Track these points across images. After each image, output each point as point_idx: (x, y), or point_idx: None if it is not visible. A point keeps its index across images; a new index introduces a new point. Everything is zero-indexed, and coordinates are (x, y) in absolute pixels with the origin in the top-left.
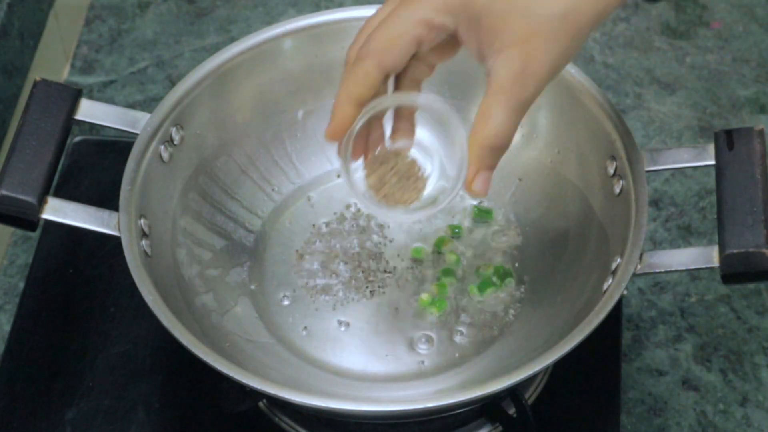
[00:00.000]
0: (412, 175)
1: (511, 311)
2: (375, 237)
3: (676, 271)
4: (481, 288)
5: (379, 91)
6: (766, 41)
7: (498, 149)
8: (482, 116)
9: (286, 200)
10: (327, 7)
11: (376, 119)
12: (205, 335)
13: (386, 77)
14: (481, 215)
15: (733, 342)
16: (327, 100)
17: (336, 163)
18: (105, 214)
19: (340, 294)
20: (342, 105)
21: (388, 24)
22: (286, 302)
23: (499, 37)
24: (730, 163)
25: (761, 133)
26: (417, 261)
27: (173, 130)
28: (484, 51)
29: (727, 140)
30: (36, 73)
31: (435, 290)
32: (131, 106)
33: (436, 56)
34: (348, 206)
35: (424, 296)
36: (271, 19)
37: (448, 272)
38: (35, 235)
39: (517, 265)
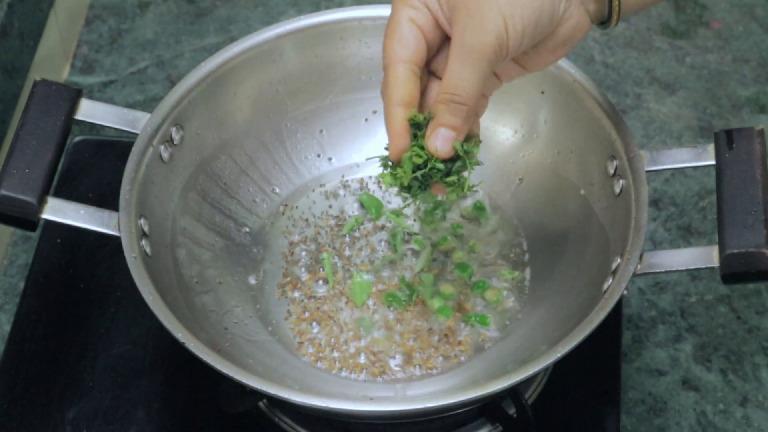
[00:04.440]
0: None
1: (511, 311)
2: (376, 237)
3: (676, 271)
4: (481, 288)
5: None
6: (766, 41)
7: (459, 104)
8: (450, 73)
9: (286, 200)
10: (327, 7)
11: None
12: (205, 335)
13: (418, 69)
14: (479, 214)
15: (733, 342)
16: (327, 100)
17: (336, 163)
18: (105, 214)
19: (341, 294)
20: (391, 113)
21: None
22: (285, 302)
23: (474, 18)
24: (730, 163)
25: (761, 133)
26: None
27: (173, 130)
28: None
29: (727, 140)
30: (36, 73)
31: (451, 288)
32: (131, 106)
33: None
34: (349, 206)
35: (437, 303)
36: (271, 19)
37: (463, 267)
38: (35, 235)
39: (517, 265)
